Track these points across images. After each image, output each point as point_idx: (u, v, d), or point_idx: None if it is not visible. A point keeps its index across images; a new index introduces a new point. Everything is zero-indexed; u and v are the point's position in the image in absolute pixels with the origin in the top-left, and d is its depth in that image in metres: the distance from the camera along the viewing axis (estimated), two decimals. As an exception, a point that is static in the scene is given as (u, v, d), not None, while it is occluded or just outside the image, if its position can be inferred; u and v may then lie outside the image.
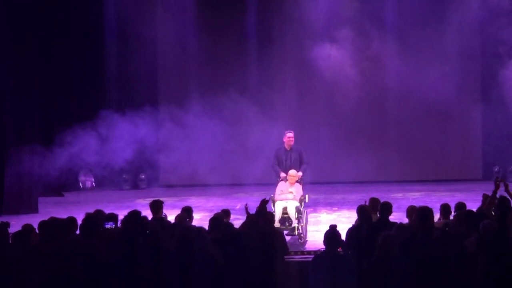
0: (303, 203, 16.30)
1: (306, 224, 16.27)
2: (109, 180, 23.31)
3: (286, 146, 17.26)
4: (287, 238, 15.15)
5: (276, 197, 16.29)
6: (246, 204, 13.36)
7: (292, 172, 16.68)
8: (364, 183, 22.93)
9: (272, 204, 15.93)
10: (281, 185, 16.70)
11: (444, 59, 23.24)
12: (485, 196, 13.42)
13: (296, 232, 15.76)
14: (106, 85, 23.80)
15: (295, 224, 15.71)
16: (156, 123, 22.26)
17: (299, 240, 15.81)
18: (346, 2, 23.46)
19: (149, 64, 24.18)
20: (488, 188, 21.32)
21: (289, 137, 17.19)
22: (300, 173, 16.85)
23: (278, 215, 15.60)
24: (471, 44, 22.98)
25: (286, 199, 16.07)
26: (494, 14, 22.42)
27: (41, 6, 20.61)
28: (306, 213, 16.63)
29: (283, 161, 17.14)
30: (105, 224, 11.94)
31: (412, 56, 23.03)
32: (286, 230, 15.49)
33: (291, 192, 16.34)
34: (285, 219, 15.62)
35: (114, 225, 12.17)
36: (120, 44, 23.62)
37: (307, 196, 16.60)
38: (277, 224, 15.02)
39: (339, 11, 23.10)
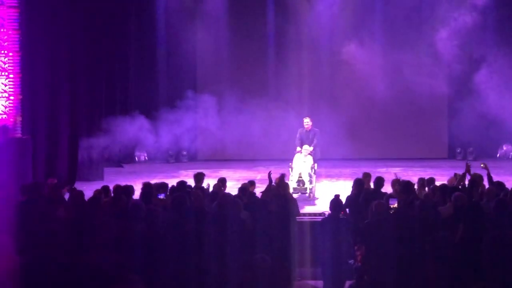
0: (313, 170, 17.20)
1: (314, 186, 17.14)
2: (158, 154, 23.23)
3: (305, 128, 18.24)
4: (301, 195, 16.40)
5: (294, 164, 17.12)
6: (270, 172, 13.27)
7: (305, 146, 17.65)
8: (355, 160, 22.75)
9: (290, 170, 16.96)
10: (297, 156, 17.54)
11: (420, 50, 22.80)
12: (456, 175, 13.42)
13: (308, 191, 16.56)
14: (158, 81, 23.72)
15: (307, 185, 16.48)
16: (195, 111, 22.28)
17: (309, 197, 16.70)
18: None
19: (191, 63, 24.15)
20: (452, 165, 21.41)
21: (306, 123, 18.35)
22: (311, 148, 17.70)
23: (295, 178, 16.53)
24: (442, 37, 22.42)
25: (301, 167, 16.88)
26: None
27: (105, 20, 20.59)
28: (315, 177, 17.43)
29: (303, 139, 18.07)
30: (158, 195, 11.88)
31: (394, 49, 22.65)
32: (301, 190, 16.43)
33: (304, 162, 17.16)
34: (300, 181, 16.43)
35: (165, 195, 12.11)
36: (169, 48, 23.55)
37: (316, 165, 17.59)
38: (294, 185, 16.25)
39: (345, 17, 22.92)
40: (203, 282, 9.41)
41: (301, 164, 17.12)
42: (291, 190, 15.32)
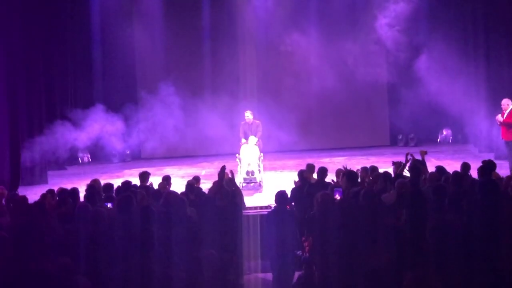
0: (260, 160, 17.81)
1: (262, 175, 17.81)
2: (101, 155, 23.06)
3: (247, 121, 18.69)
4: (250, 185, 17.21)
5: (242, 155, 17.74)
6: (224, 166, 13.22)
7: (252, 137, 18.15)
8: (299, 151, 22.87)
9: (238, 161, 17.78)
10: (244, 147, 18.05)
11: (360, 38, 22.94)
12: (394, 163, 13.65)
13: (258, 180, 17.40)
14: (97, 81, 23.55)
15: (256, 174, 17.37)
16: (136, 110, 22.22)
17: (258, 187, 17.32)
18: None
19: (129, 61, 24.02)
20: (394, 152, 21.67)
21: (247, 116, 18.84)
22: (257, 139, 18.26)
23: (244, 169, 17.36)
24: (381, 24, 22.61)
25: (249, 157, 17.61)
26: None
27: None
28: (263, 167, 18.03)
29: (247, 132, 18.55)
30: (105, 204, 11.72)
31: (335, 39, 22.80)
32: (250, 179, 17.20)
33: (252, 153, 17.76)
34: (249, 172, 17.23)
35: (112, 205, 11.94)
36: (107, 48, 23.38)
37: (262, 154, 18.07)
38: (244, 175, 17.28)
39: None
40: (150, 281, 9.39)
41: (249, 155, 17.65)
42: (241, 181, 16.74)
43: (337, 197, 11.14)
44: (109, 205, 11.37)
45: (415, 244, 7.17)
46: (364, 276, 7.62)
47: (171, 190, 12.15)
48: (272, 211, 11.61)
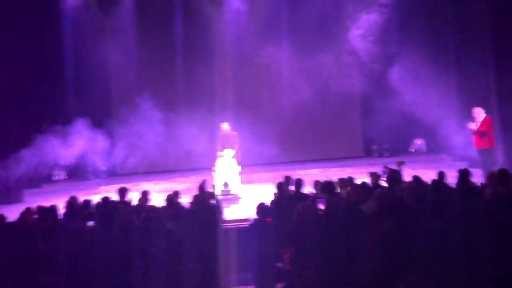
0: (237, 172, 17.99)
1: (239, 188, 18.03)
2: (77, 172, 22.94)
3: (224, 133, 18.71)
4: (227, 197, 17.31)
5: (217, 168, 17.86)
6: (205, 180, 13.24)
7: (228, 150, 18.17)
8: (274, 164, 22.88)
9: (213, 174, 17.80)
10: (220, 160, 18.13)
11: (334, 50, 23.08)
12: (372, 173, 13.75)
13: (234, 193, 17.70)
14: (70, 97, 23.46)
15: (232, 187, 17.69)
16: (111, 125, 22.13)
17: (235, 199, 17.58)
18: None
19: (102, 77, 23.97)
20: (369, 162, 21.79)
21: (224, 128, 18.89)
22: (234, 151, 18.27)
23: (220, 182, 17.57)
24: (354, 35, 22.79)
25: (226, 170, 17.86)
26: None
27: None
28: (239, 179, 18.15)
29: (224, 144, 18.49)
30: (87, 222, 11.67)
31: (309, 51, 22.87)
32: (227, 192, 17.47)
33: (228, 165, 17.97)
34: (225, 184, 17.52)
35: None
36: (80, 64, 23.32)
37: (240, 167, 18.18)
38: (221, 188, 17.43)
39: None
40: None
41: (225, 168, 17.82)
42: (218, 193, 16.71)
43: (322, 207, 11.18)
44: (90, 223, 11.34)
45: (404, 252, 7.24)
46: (347, 284, 7.71)
47: (152, 205, 12.16)
48: (253, 223, 11.64)
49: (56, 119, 22.34)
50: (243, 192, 18.15)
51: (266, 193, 14.98)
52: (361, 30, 22.22)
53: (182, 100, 23.33)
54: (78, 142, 20.46)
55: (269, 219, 11.73)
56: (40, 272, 8.64)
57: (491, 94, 18.82)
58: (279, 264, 11.48)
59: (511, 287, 6.46)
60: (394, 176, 11.97)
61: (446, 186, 11.47)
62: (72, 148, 20.36)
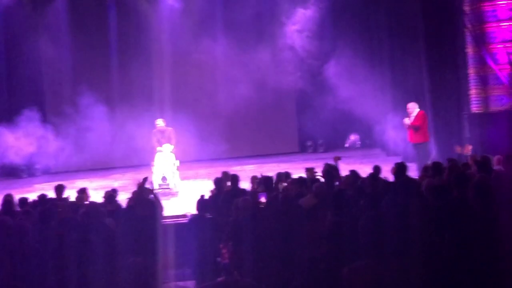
0: (175, 167, 18.33)
1: (177, 181, 18.45)
2: (8, 170, 22.58)
3: (159, 128, 18.87)
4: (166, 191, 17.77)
5: (156, 163, 18.29)
6: (146, 178, 13.22)
7: (166, 145, 18.41)
8: (210, 160, 22.91)
9: (152, 168, 18.18)
10: (158, 155, 18.41)
11: (270, 46, 23.23)
12: (308, 168, 13.90)
13: (172, 186, 18.11)
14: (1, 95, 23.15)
15: (170, 181, 18.10)
16: (44, 123, 21.82)
17: (173, 193, 17.98)
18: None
19: (35, 75, 23.79)
20: (304, 158, 22.01)
21: (158, 124, 18.99)
22: (173, 146, 18.49)
23: (158, 176, 18.01)
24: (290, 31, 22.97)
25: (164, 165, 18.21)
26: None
27: None
28: (178, 174, 18.51)
29: (160, 140, 18.65)
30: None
31: (246, 48, 22.93)
32: (165, 186, 17.92)
33: (166, 160, 18.26)
34: (163, 178, 17.92)
35: None
36: (11, 61, 23.03)
37: (178, 161, 18.49)
38: (159, 182, 17.91)
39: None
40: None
41: (163, 162, 18.10)
42: (156, 187, 17.19)
43: (263, 200, 11.28)
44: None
45: (346, 241, 7.41)
46: (288, 275, 7.83)
47: (91, 201, 12.11)
48: (192, 218, 11.70)
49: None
50: (182, 187, 18.25)
51: (204, 188, 15.00)
52: (297, 25, 22.42)
53: (120, 98, 23.20)
54: (11, 140, 20.20)
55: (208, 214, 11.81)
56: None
57: (424, 89, 19.15)
58: (219, 259, 11.57)
59: (444, 272, 6.70)
60: (329, 170, 12.12)
61: (382, 180, 11.67)
62: (5, 146, 20.11)
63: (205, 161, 22.82)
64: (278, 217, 10.08)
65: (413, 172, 16.03)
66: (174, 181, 18.22)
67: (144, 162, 19.60)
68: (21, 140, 20.43)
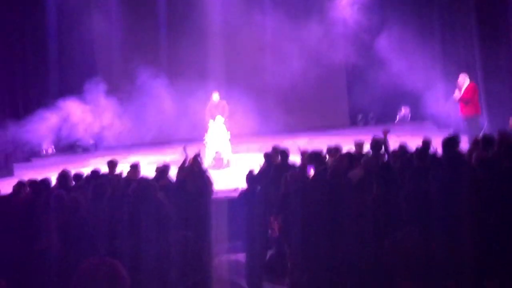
0: (227, 139, 18.83)
1: (230, 155, 18.85)
2: (65, 145, 22.93)
3: (215, 101, 19.24)
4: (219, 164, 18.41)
5: (209, 138, 18.77)
6: (185, 146, 13.42)
7: (218, 117, 18.84)
8: (262, 135, 22.94)
9: (205, 143, 18.63)
10: (211, 128, 18.90)
11: (319, 19, 23.08)
12: (356, 142, 13.89)
13: (226, 161, 18.58)
14: (56, 72, 23.47)
15: (224, 155, 18.66)
16: (97, 99, 22.02)
17: (226, 166, 18.54)
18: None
19: (88, 51, 24.14)
20: (354, 131, 21.94)
21: (215, 97, 19.42)
22: (223, 118, 18.89)
23: (212, 151, 18.55)
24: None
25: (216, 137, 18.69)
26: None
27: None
28: (230, 146, 18.96)
29: (214, 112, 19.03)
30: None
31: (295, 21, 22.87)
32: (218, 160, 18.47)
33: (219, 133, 18.75)
34: (217, 152, 18.47)
35: None
36: (64, 38, 23.34)
37: (229, 133, 18.93)
38: (212, 156, 18.45)
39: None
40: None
41: (216, 135, 18.62)
42: (209, 160, 17.80)
43: (312, 172, 11.36)
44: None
45: (388, 215, 7.45)
46: (336, 248, 7.91)
47: (142, 176, 12.26)
48: (243, 192, 11.82)
49: (44, 93, 22.36)
50: (234, 160, 18.48)
51: (255, 162, 15.09)
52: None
53: (173, 73, 23.19)
54: (65, 117, 20.50)
55: (259, 189, 11.92)
56: (35, 242, 8.80)
57: (476, 62, 18.97)
58: (269, 232, 11.69)
59: (492, 249, 6.70)
60: (379, 144, 12.13)
61: (431, 153, 11.65)
62: (60, 123, 20.42)
63: (258, 135, 22.85)
64: (327, 190, 10.14)
65: (464, 145, 15.95)
66: (227, 154, 18.66)
67: (200, 136, 19.66)
68: (77, 116, 20.72)
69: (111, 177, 12.51)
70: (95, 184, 10.61)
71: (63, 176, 12.19)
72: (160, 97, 21.86)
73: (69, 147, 23.12)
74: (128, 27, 23.80)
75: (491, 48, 18.43)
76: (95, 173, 12.89)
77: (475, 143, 12.31)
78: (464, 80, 17.19)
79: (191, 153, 13.16)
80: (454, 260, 5.98)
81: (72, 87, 22.06)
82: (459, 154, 10.94)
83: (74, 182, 12.43)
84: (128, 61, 22.77)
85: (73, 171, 13.29)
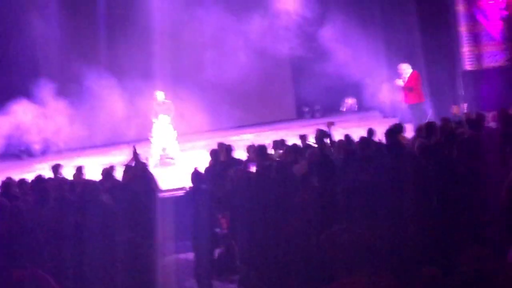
0: (174, 138, 18.76)
1: (177, 153, 18.85)
2: (8, 151, 22.49)
3: (158, 100, 19.08)
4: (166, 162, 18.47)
5: (154, 135, 18.71)
6: (134, 146, 13.33)
7: (164, 116, 18.66)
8: (207, 132, 22.81)
9: (151, 140, 18.66)
10: (156, 127, 18.81)
11: (262, 12, 22.80)
12: (301, 135, 13.96)
13: (173, 158, 18.62)
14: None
15: (170, 152, 18.71)
16: (40, 100, 21.59)
17: (173, 164, 18.47)
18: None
19: (29, 51, 23.68)
20: (301, 124, 21.99)
21: (159, 96, 19.18)
22: (169, 117, 18.77)
23: (158, 148, 18.60)
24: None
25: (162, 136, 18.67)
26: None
27: None
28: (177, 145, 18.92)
29: (159, 112, 18.88)
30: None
31: (237, 15, 22.69)
32: (165, 155, 18.60)
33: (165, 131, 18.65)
34: (163, 149, 18.55)
35: None
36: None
37: (176, 132, 18.91)
38: (159, 153, 18.58)
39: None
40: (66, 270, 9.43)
41: (161, 133, 18.55)
42: (156, 160, 17.76)
43: (253, 169, 11.34)
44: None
45: (328, 206, 7.48)
46: (282, 243, 7.91)
47: (88, 179, 12.17)
48: (189, 190, 11.77)
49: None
50: (181, 158, 18.46)
51: (202, 160, 15.04)
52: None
53: (117, 72, 22.77)
54: (5, 121, 20.16)
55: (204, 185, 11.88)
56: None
57: (417, 50, 19.14)
58: (217, 230, 11.68)
59: (436, 235, 6.75)
60: (321, 136, 12.19)
61: (374, 142, 11.72)
62: (6, 126, 20.11)
63: (205, 131, 22.73)
64: (271, 185, 10.15)
65: (410, 133, 16.08)
66: (174, 152, 18.65)
67: (145, 136, 19.49)
68: (18, 120, 20.39)
69: (55, 181, 12.34)
70: (38, 189, 10.48)
71: (7, 184, 12.04)
72: (108, 98, 21.60)
73: (13, 152, 22.67)
74: (68, 27, 23.45)
75: (432, 36, 18.61)
76: (39, 178, 12.73)
77: (418, 131, 12.42)
78: (406, 69, 17.34)
79: (141, 153, 13.10)
80: (396, 251, 6.01)
81: (17, 90, 21.55)
82: (400, 142, 11.04)
83: (18, 190, 12.24)
84: (72, 62, 22.46)
85: (17, 178, 13.16)
